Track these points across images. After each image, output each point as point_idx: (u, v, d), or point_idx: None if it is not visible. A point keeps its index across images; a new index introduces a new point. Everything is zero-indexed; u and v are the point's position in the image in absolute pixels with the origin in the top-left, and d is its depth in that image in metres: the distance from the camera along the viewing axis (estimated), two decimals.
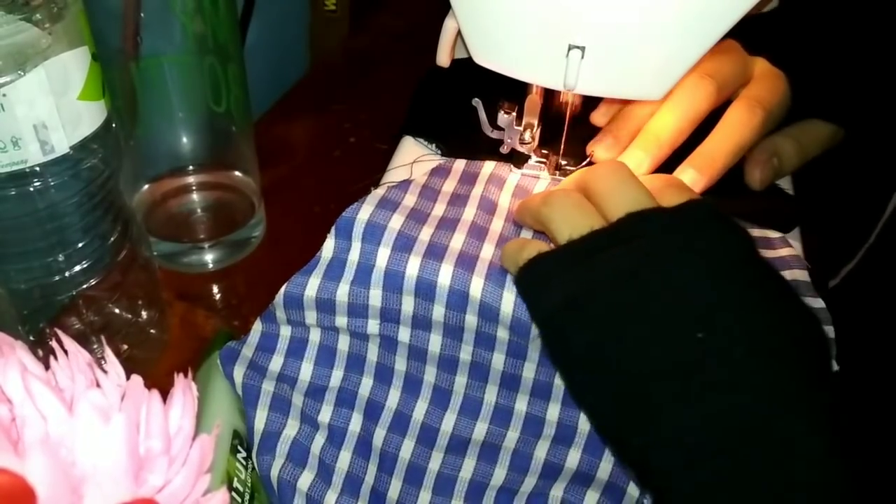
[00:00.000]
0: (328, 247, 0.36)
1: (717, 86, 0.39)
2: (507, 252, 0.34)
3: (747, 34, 0.36)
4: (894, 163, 0.44)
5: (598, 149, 0.40)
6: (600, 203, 0.33)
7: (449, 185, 0.39)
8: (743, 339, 0.28)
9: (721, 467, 0.26)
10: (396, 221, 0.35)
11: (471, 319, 0.34)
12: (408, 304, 0.35)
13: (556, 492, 0.34)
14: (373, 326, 0.36)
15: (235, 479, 0.32)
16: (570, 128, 0.39)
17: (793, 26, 0.43)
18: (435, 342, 0.35)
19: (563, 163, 0.40)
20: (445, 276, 0.34)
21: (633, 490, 0.34)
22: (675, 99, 0.39)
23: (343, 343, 0.37)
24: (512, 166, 0.40)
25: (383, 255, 0.35)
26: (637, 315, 0.29)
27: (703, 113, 0.39)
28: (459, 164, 0.40)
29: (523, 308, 0.33)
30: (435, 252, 0.34)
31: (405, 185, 0.38)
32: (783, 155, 0.42)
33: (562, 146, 0.40)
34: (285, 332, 0.37)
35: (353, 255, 0.35)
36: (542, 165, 0.40)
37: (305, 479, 0.34)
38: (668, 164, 0.39)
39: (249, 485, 0.33)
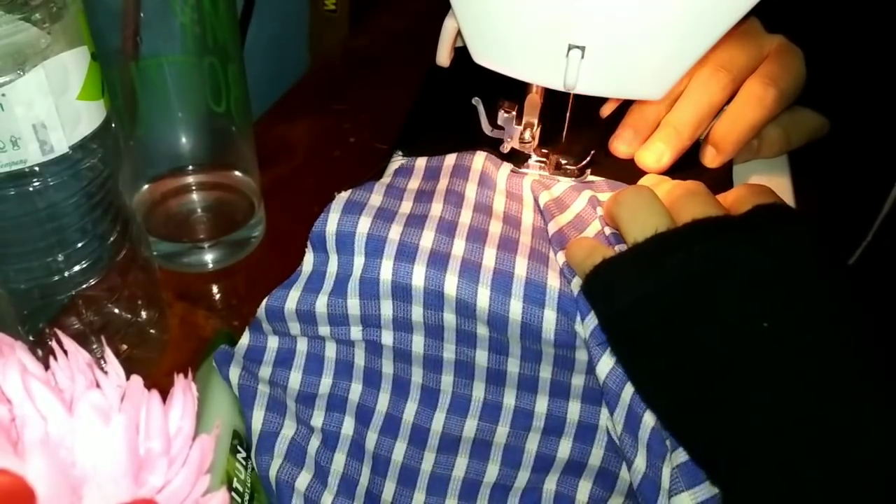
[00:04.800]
0: (308, 261, 0.37)
1: (731, 77, 0.40)
2: (574, 259, 0.34)
3: (766, 12, 0.36)
4: (890, 161, 0.44)
5: (619, 143, 0.41)
6: (674, 214, 0.33)
7: (413, 183, 0.39)
8: (812, 327, 0.28)
9: (788, 455, 0.26)
10: (364, 225, 0.35)
11: (449, 318, 0.34)
12: (386, 308, 0.35)
13: (550, 485, 0.34)
14: (356, 333, 0.36)
15: (235, 479, 0.32)
16: (571, 126, 0.39)
17: (812, 6, 0.43)
18: (418, 343, 0.35)
19: (563, 162, 0.40)
20: (419, 277, 0.33)
21: (625, 474, 0.34)
22: (692, 92, 0.40)
23: (330, 350, 0.37)
24: (487, 154, 0.40)
25: (358, 265, 0.35)
26: (706, 315, 0.29)
27: (720, 104, 0.40)
28: (421, 161, 0.40)
29: (498, 303, 0.33)
30: (406, 252, 0.34)
31: (370, 185, 0.38)
32: (765, 139, 0.43)
33: (562, 145, 0.40)
34: (272, 343, 0.37)
35: (332, 268, 0.36)
36: (543, 164, 0.40)
37: (303, 480, 0.34)
38: (688, 152, 0.40)
39: (249, 485, 0.33)
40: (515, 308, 0.33)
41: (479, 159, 0.39)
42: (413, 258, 0.34)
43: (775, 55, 0.41)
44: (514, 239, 0.35)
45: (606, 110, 0.43)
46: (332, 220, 0.36)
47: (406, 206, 0.37)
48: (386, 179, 0.39)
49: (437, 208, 0.36)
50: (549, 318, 0.33)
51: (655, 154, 0.39)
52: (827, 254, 0.30)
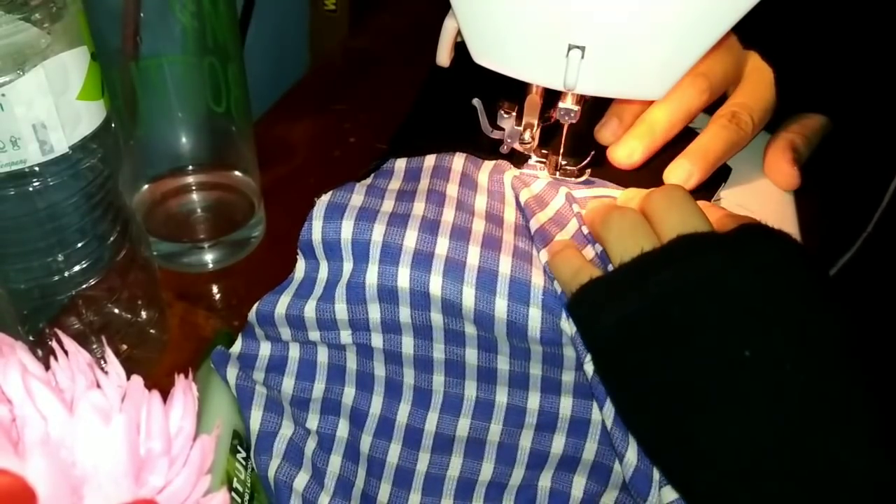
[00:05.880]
0: (300, 268, 0.37)
1: (709, 84, 0.40)
2: (561, 277, 0.33)
3: (741, 25, 0.37)
4: (889, 154, 0.45)
5: (604, 132, 0.41)
6: (656, 225, 0.33)
7: (394, 185, 0.39)
8: (793, 352, 0.28)
9: (766, 487, 0.26)
10: (347, 230, 0.35)
11: (436, 317, 0.34)
12: (374, 311, 0.35)
13: (544, 482, 0.34)
14: (345, 337, 0.36)
15: (235, 479, 0.32)
16: (570, 127, 0.39)
17: (784, 18, 0.43)
18: (407, 344, 0.35)
19: (563, 163, 0.40)
20: (404, 279, 0.33)
21: (619, 467, 0.34)
22: (671, 93, 0.40)
23: (322, 355, 0.37)
24: (467, 155, 0.40)
25: (347, 270, 0.35)
26: (685, 336, 0.29)
27: (696, 109, 0.41)
28: (401, 163, 0.40)
29: (483, 302, 0.33)
30: (390, 254, 0.34)
31: (350, 186, 0.38)
32: (800, 149, 0.43)
33: (562, 146, 0.40)
34: (265, 350, 0.37)
35: (322, 273, 0.36)
36: (542, 165, 0.40)
37: (301, 480, 0.34)
38: (662, 160, 0.40)
39: (249, 485, 0.33)
40: (500, 306, 0.33)
41: (459, 160, 0.39)
42: (397, 260, 0.34)
43: (748, 79, 0.42)
44: (498, 237, 0.35)
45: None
46: (316, 229, 0.36)
47: (388, 205, 0.36)
48: (367, 181, 0.39)
49: (419, 207, 0.36)
50: (535, 315, 0.33)
51: (627, 150, 0.40)
52: (814, 276, 0.30)
